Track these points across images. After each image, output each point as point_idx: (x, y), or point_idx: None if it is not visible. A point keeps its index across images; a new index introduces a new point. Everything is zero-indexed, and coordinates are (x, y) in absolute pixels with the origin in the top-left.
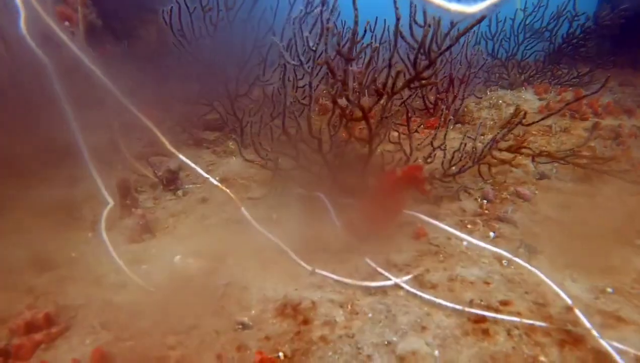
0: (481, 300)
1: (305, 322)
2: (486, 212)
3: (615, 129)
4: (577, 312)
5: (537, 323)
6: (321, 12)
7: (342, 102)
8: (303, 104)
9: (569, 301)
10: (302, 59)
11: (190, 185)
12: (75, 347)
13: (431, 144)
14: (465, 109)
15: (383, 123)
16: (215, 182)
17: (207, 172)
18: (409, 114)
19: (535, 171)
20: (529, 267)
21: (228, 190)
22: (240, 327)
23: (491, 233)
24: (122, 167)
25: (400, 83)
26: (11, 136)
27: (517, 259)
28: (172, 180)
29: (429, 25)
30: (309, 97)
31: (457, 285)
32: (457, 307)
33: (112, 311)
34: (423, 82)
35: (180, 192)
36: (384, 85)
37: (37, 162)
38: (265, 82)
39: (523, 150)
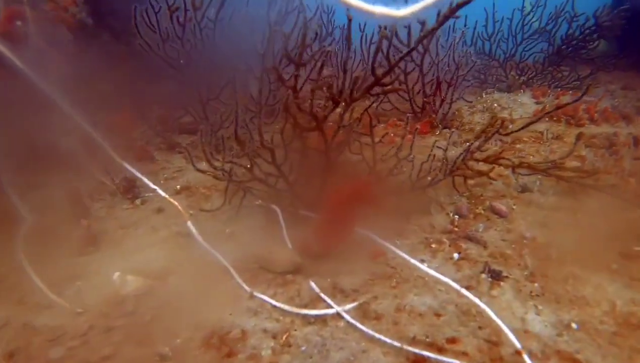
0: (427, 337)
1: (230, 354)
2: (456, 229)
3: (610, 137)
4: (525, 357)
5: None
6: (268, 13)
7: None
8: (251, 110)
9: (518, 345)
10: (251, 63)
11: (151, 194)
12: None
13: (396, 155)
14: (456, 113)
15: (345, 132)
16: (163, 194)
17: (172, 179)
18: (373, 122)
19: (517, 184)
20: (479, 303)
21: (177, 203)
22: (157, 358)
23: (455, 255)
24: (81, 174)
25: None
26: None
27: (465, 292)
28: (129, 189)
29: (385, 28)
30: (258, 104)
31: (404, 317)
32: (396, 343)
33: (26, 337)
34: (385, 88)
35: (138, 201)
36: (340, 92)
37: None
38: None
39: (502, 160)
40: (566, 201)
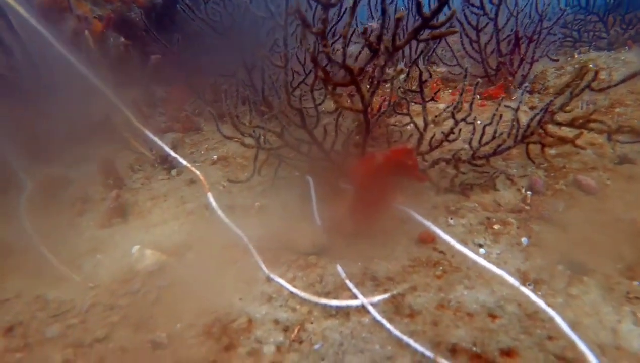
0: (474, 345)
1: (229, 347)
2: (527, 208)
3: None
4: None
5: None
6: None
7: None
8: (277, 66)
9: None
10: (272, 8)
11: (186, 165)
12: None
13: (452, 115)
14: (538, 75)
15: (392, 89)
16: (185, 163)
17: (213, 149)
18: (423, 77)
19: (614, 154)
20: (543, 305)
21: (198, 172)
22: (150, 346)
23: (524, 239)
24: (120, 145)
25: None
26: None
27: (524, 290)
28: (165, 159)
29: None
30: (284, 58)
31: (448, 316)
32: (428, 353)
33: (32, 311)
34: (435, 32)
35: (174, 172)
36: (379, 38)
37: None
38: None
39: (593, 124)
40: None
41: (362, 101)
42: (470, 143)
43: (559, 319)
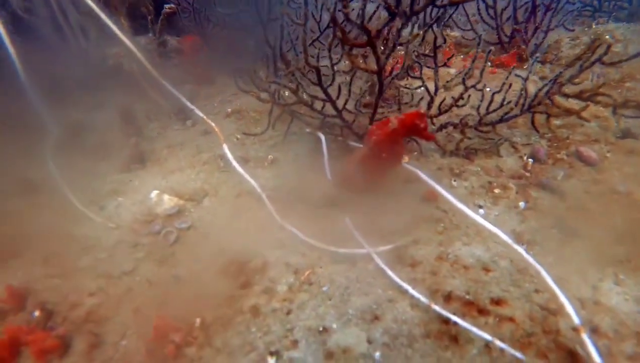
0: (467, 293)
1: (245, 285)
2: (528, 174)
3: None
4: (585, 337)
5: (512, 351)
6: None
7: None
8: (297, 23)
9: (576, 320)
10: None
11: (202, 116)
12: (7, 278)
13: (463, 82)
14: (552, 45)
15: (407, 52)
16: (200, 114)
17: (227, 102)
18: (437, 42)
19: (618, 127)
20: (530, 259)
21: (214, 124)
22: (172, 280)
23: (521, 203)
24: (142, 94)
25: None
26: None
27: (517, 247)
28: (180, 110)
29: None
30: (304, 15)
31: (445, 267)
32: (423, 299)
33: (64, 245)
34: None
35: (189, 122)
36: (398, 1)
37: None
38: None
39: (600, 97)
40: None
41: (377, 63)
42: (478, 109)
43: (544, 274)
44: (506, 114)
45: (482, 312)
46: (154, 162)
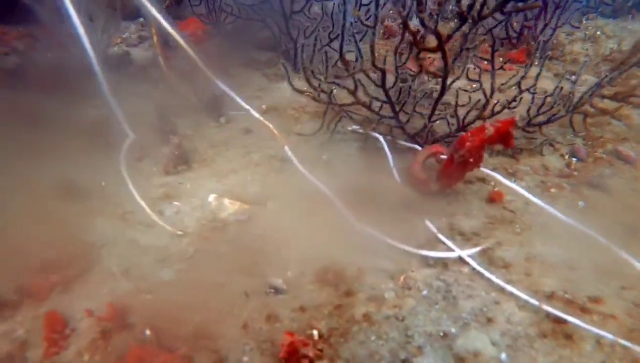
0: (565, 292)
1: (348, 293)
2: (575, 173)
3: None
4: None
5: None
6: None
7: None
8: (367, 25)
9: None
10: None
11: (235, 113)
12: (91, 294)
13: (518, 85)
14: (555, 41)
15: (462, 55)
16: (257, 116)
17: (255, 98)
18: (495, 47)
19: None
20: (626, 256)
21: (271, 125)
22: (273, 291)
23: (580, 203)
24: (164, 88)
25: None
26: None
27: (603, 241)
28: (215, 107)
29: None
30: (374, 18)
31: (536, 268)
32: (534, 301)
33: (136, 255)
34: (521, 4)
35: (223, 120)
36: (470, 7)
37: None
38: None
39: (634, 98)
40: None
41: (445, 67)
42: (528, 111)
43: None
44: (554, 115)
45: (584, 310)
46: (201, 163)
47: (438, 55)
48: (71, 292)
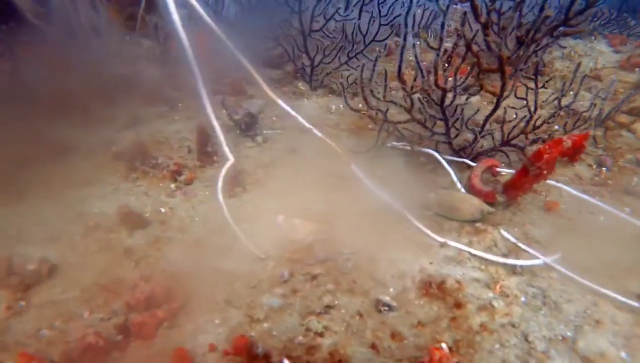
0: None
1: (458, 305)
2: (609, 182)
3: None
4: None
5: None
6: None
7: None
8: (433, 48)
9: None
10: None
11: (269, 131)
12: (204, 327)
13: (558, 102)
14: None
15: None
16: (319, 134)
17: (279, 117)
18: (539, 66)
19: None
20: None
21: (334, 144)
22: (387, 308)
23: (626, 209)
24: (193, 108)
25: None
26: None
27: None
28: (251, 125)
29: None
30: (439, 41)
31: (615, 272)
32: (634, 303)
33: (226, 283)
34: (569, 30)
35: (259, 139)
36: (528, 32)
37: (96, 99)
38: (346, 17)
39: None
40: None
41: (502, 86)
42: (565, 126)
43: None
44: (585, 129)
45: None
46: (254, 184)
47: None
48: (179, 326)
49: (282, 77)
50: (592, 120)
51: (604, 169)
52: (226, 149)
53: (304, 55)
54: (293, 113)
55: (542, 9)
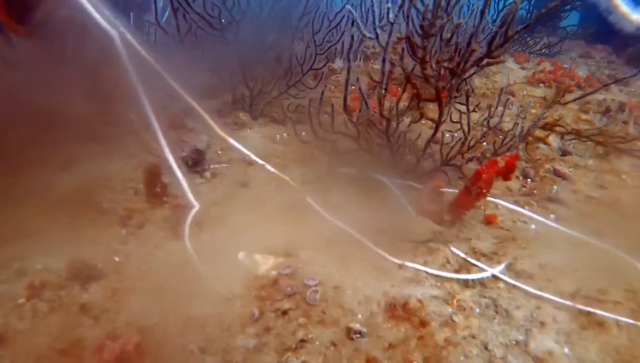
0: (579, 290)
1: (423, 324)
2: (535, 192)
3: (601, 103)
4: None
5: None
6: None
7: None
8: (376, 82)
9: None
10: (377, 31)
11: (216, 165)
12: None
13: (487, 123)
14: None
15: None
16: (272, 169)
17: (229, 149)
18: (469, 93)
19: (558, 148)
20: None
21: (287, 178)
22: (358, 335)
23: (552, 216)
24: (132, 144)
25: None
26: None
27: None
28: (199, 162)
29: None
30: (381, 74)
31: (553, 273)
32: (567, 302)
33: (195, 328)
34: (491, 60)
35: (208, 174)
36: (459, 64)
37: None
38: (282, 46)
39: (556, 128)
40: (604, 164)
41: (440, 114)
42: (494, 144)
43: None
44: (512, 145)
45: (600, 301)
46: (209, 222)
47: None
48: None
49: (222, 108)
50: (516, 137)
51: (529, 179)
52: (190, 196)
53: (242, 85)
54: (245, 151)
55: (469, 44)
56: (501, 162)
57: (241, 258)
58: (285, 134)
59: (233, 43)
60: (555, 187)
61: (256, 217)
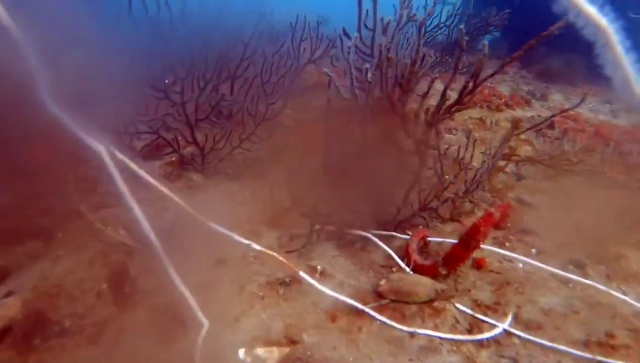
0: (590, 336)
1: None
2: (508, 225)
3: (531, 121)
4: None
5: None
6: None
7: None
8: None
9: None
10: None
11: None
12: None
13: (459, 164)
14: None
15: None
16: (258, 247)
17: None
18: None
19: (512, 173)
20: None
21: (276, 254)
22: None
23: (532, 250)
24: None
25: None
26: None
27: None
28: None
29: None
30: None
31: (558, 321)
32: (586, 355)
33: None
34: (461, 106)
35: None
36: (433, 115)
37: None
38: (231, 101)
39: (513, 157)
40: (558, 184)
41: (421, 165)
42: (465, 183)
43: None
44: (479, 182)
45: (613, 348)
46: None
47: None
48: None
49: (169, 171)
50: (484, 173)
51: (497, 214)
52: (200, 314)
53: (190, 144)
54: (228, 232)
55: (443, 95)
56: (496, 214)
57: (242, 357)
58: (246, 193)
59: (179, 104)
60: (525, 217)
61: (244, 302)
